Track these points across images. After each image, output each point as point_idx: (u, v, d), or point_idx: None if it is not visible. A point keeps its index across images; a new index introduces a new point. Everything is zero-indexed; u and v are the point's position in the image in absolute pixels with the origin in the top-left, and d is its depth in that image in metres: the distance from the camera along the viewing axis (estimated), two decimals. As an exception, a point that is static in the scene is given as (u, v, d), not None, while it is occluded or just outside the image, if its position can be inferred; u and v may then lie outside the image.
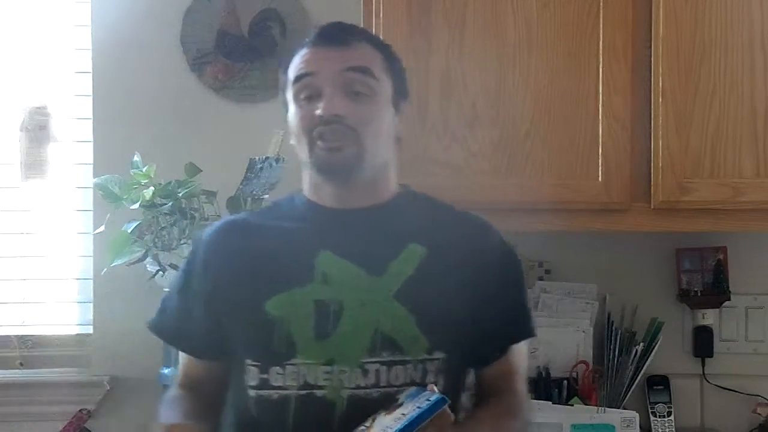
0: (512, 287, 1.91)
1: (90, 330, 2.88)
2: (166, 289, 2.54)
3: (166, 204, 2.46)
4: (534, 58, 2.44)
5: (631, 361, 2.70)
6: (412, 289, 1.80)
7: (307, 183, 1.92)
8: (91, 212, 2.82)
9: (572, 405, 2.63)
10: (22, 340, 2.91)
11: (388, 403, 1.72)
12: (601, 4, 2.43)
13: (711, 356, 2.81)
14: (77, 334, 2.92)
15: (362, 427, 1.68)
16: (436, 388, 1.68)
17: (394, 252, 1.83)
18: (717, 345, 2.82)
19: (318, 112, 1.79)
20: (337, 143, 1.79)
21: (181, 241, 2.47)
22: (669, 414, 2.73)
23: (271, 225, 1.90)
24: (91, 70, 2.86)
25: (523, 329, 1.93)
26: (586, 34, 2.44)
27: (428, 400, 1.63)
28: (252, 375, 1.82)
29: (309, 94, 1.82)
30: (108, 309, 2.83)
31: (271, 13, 2.86)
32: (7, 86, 2.91)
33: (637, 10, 2.45)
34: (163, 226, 2.47)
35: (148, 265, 2.52)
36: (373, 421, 1.67)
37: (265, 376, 1.80)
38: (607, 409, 2.62)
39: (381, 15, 2.46)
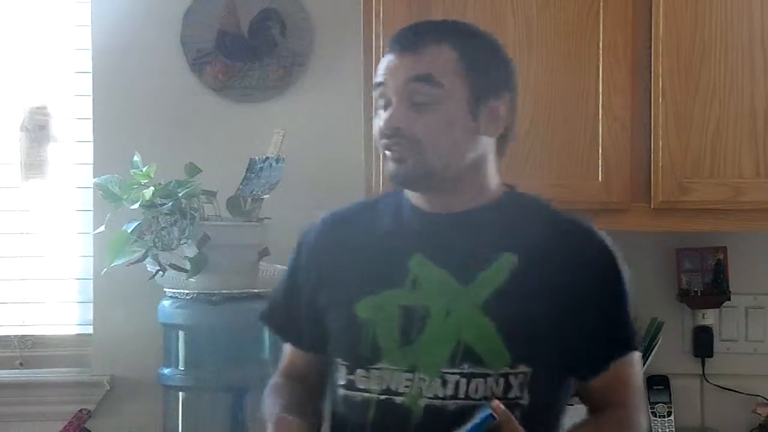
0: (612, 299, 1.83)
1: (90, 330, 2.88)
2: (167, 289, 2.56)
3: (166, 204, 2.46)
4: (534, 58, 2.44)
5: (632, 361, 2.70)
6: (499, 301, 1.75)
7: None
8: (91, 212, 2.82)
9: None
10: (22, 340, 2.91)
11: (464, 416, 1.68)
12: (601, 4, 2.44)
13: (711, 356, 2.81)
14: (77, 334, 2.92)
15: None
16: (494, 404, 1.63)
17: (486, 260, 1.77)
18: (717, 345, 2.82)
19: (380, 124, 1.77)
20: (399, 155, 1.76)
21: (181, 241, 2.47)
22: (669, 414, 2.73)
23: (371, 223, 1.88)
24: (91, 70, 2.86)
25: (625, 344, 1.84)
26: (586, 34, 2.44)
27: (478, 416, 1.61)
28: (341, 374, 1.81)
29: (382, 104, 1.79)
30: (108, 309, 2.83)
31: (271, 13, 2.86)
32: (7, 86, 2.91)
33: (637, 10, 2.45)
34: (163, 226, 2.47)
35: (148, 265, 2.51)
36: None
37: (351, 377, 1.79)
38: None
39: (381, 15, 2.46)
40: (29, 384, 2.85)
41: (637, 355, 1.86)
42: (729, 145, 2.45)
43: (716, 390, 2.80)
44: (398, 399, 1.75)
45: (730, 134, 2.45)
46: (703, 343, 2.81)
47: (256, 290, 2.52)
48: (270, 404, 1.85)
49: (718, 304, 2.81)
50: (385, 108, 1.78)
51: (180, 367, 2.57)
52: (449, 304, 1.76)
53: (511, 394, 1.73)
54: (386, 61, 1.80)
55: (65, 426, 2.78)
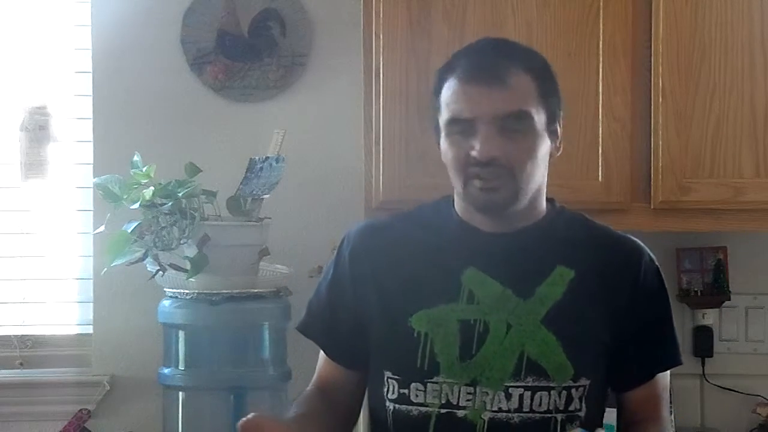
0: (660, 314, 1.89)
1: (90, 330, 2.88)
2: (167, 289, 2.56)
3: (166, 204, 2.46)
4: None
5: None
6: (559, 314, 1.77)
7: (459, 205, 1.87)
8: (91, 212, 2.82)
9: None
10: (22, 340, 2.90)
11: (528, 429, 1.73)
12: (601, 4, 2.44)
13: (711, 356, 2.82)
14: (77, 334, 2.92)
15: None
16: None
17: (542, 275, 1.80)
18: (717, 345, 2.82)
19: (474, 153, 1.75)
20: (493, 184, 1.76)
21: (181, 241, 2.47)
22: (669, 414, 2.72)
23: (418, 236, 1.88)
24: (91, 70, 2.86)
25: (671, 357, 1.90)
26: (586, 34, 2.44)
27: None
28: (391, 388, 1.81)
29: (462, 131, 1.77)
30: (108, 309, 2.83)
31: (271, 13, 2.86)
32: (7, 86, 2.90)
33: (637, 10, 2.45)
34: (163, 226, 2.47)
35: (148, 265, 2.51)
36: None
37: (404, 391, 1.79)
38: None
39: (381, 15, 2.46)
40: (29, 384, 2.84)
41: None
42: (729, 145, 2.45)
43: (716, 390, 2.80)
44: (460, 413, 1.76)
45: (730, 134, 2.45)
46: (703, 343, 2.81)
47: (256, 290, 2.52)
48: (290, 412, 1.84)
49: (718, 304, 2.81)
50: (467, 134, 1.76)
51: (180, 367, 2.56)
52: (509, 317, 1.78)
53: (572, 407, 1.77)
54: (464, 91, 1.76)
55: (65, 426, 2.78)
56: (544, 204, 1.88)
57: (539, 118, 1.78)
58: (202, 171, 2.54)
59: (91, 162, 2.84)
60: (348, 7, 2.77)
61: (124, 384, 2.84)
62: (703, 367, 2.81)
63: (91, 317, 2.87)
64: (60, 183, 2.89)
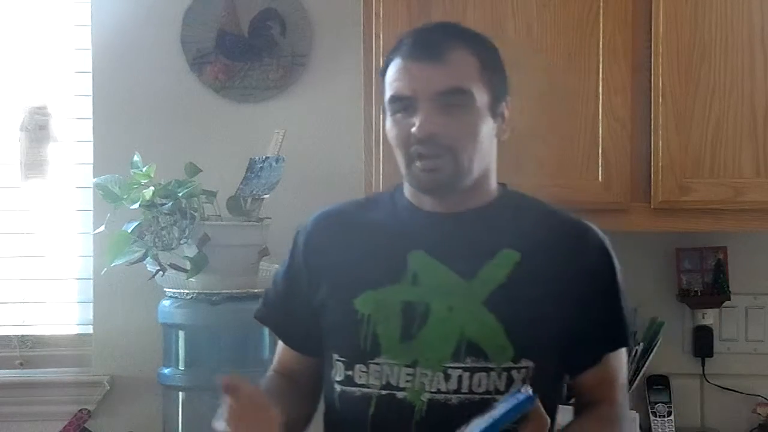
0: (608, 294, 1.86)
1: (90, 330, 2.88)
2: (167, 289, 2.56)
3: (166, 204, 2.46)
4: (534, 59, 2.44)
5: (631, 361, 2.69)
6: (502, 296, 1.77)
7: (406, 187, 1.88)
8: (91, 212, 2.82)
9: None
10: (22, 340, 2.91)
11: (467, 410, 1.71)
12: (601, 4, 2.44)
13: (711, 356, 2.81)
14: (77, 334, 2.92)
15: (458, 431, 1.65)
16: (530, 390, 1.64)
17: (488, 257, 1.80)
18: (717, 345, 2.82)
19: (413, 130, 1.76)
20: (434, 163, 1.77)
21: (181, 241, 2.47)
22: (669, 414, 2.73)
23: (367, 220, 1.90)
24: (91, 70, 2.86)
25: (618, 338, 1.88)
26: (586, 34, 2.44)
27: (516, 398, 1.61)
28: (338, 370, 1.82)
29: (404, 108, 1.78)
30: (108, 309, 2.83)
31: (271, 13, 2.86)
32: (7, 86, 2.90)
33: (637, 10, 2.45)
34: (163, 226, 2.47)
35: (148, 265, 2.51)
36: (467, 425, 1.64)
37: (350, 372, 1.80)
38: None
39: (381, 15, 2.46)
40: (29, 384, 2.85)
41: (625, 351, 1.89)
42: (729, 145, 2.45)
43: (716, 390, 2.80)
44: (400, 394, 1.77)
45: (730, 134, 2.45)
46: (703, 343, 2.81)
47: (256, 290, 2.52)
48: None
49: (718, 304, 2.81)
50: (409, 112, 1.77)
51: (180, 367, 2.56)
52: (451, 299, 1.78)
53: (514, 389, 1.74)
54: (405, 68, 1.78)
55: (65, 426, 2.78)
56: (493, 186, 1.88)
57: (481, 98, 1.79)
58: (202, 171, 2.54)
59: (91, 162, 2.84)
60: (348, 7, 2.77)
61: (124, 384, 2.84)
62: (703, 367, 2.81)
63: (91, 317, 2.87)
64: (60, 183, 2.89)
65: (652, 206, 2.46)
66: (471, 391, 1.75)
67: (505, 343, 1.75)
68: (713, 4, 2.45)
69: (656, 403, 2.74)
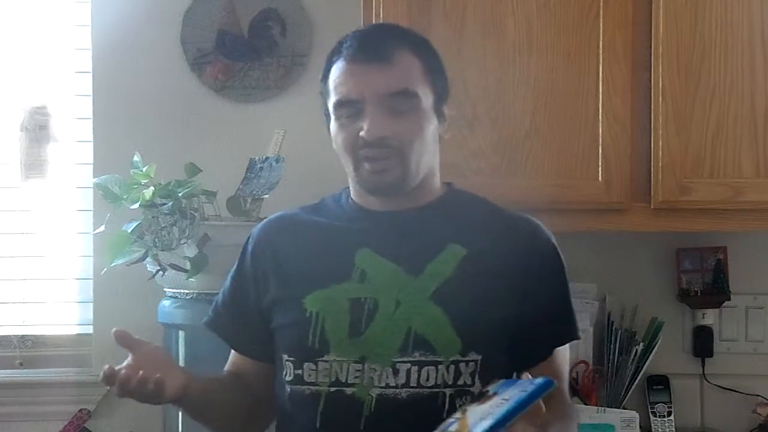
0: (555, 289, 1.88)
1: (90, 330, 2.88)
2: (167, 289, 2.56)
3: (166, 204, 2.46)
4: (534, 58, 2.44)
5: (631, 361, 2.70)
6: (449, 291, 1.79)
7: (353, 188, 1.91)
8: (91, 212, 2.82)
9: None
10: (22, 340, 2.90)
11: (416, 404, 1.73)
12: (601, 4, 2.44)
13: (711, 356, 2.81)
14: (77, 334, 2.91)
15: (453, 420, 1.62)
16: (530, 376, 1.63)
17: (434, 253, 1.82)
18: (717, 345, 2.82)
19: (362, 134, 1.79)
20: (383, 165, 1.80)
21: (181, 241, 2.47)
22: (669, 414, 2.73)
23: (316, 222, 1.92)
24: (91, 70, 2.86)
25: (567, 332, 1.90)
26: (586, 34, 2.44)
27: (533, 383, 1.58)
28: (288, 370, 1.83)
29: (351, 113, 1.81)
30: (108, 309, 2.83)
31: (271, 13, 2.86)
32: (7, 86, 2.90)
33: (637, 10, 2.45)
34: (163, 226, 2.47)
35: (148, 265, 2.51)
36: (464, 412, 1.62)
37: (299, 371, 1.82)
38: (607, 409, 2.62)
39: (381, 15, 2.46)
40: (29, 384, 2.84)
41: (568, 348, 1.92)
42: (729, 145, 2.45)
43: (716, 390, 2.80)
44: (349, 390, 1.78)
45: (730, 134, 2.45)
46: (703, 343, 2.81)
47: (256, 290, 2.52)
48: None
49: (718, 304, 2.81)
50: (355, 117, 1.80)
51: (180, 367, 2.56)
52: (399, 294, 1.80)
53: (461, 381, 1.77)
54: (349, 71, 1.81)
55: (65, 426, 2.78)
56: (437, 184, 1.91)
57: (426, 98, 1.82)
58: (202, 171, 2.54)
59: (91, 162, 2.84)
60: (348, 7, 2.77)
61: (124, 384, 2.83)
62: (703, 367, 2.81)
63: (91, 317, 2.87)
64: (60, 183, 2.89)
65: (652, 206, 2.46)
66: (420, 385, 1.76)
67: (452, 336, 1.77)
68: (713, 4, 2.45)
69: (656, 403, 2.74)
